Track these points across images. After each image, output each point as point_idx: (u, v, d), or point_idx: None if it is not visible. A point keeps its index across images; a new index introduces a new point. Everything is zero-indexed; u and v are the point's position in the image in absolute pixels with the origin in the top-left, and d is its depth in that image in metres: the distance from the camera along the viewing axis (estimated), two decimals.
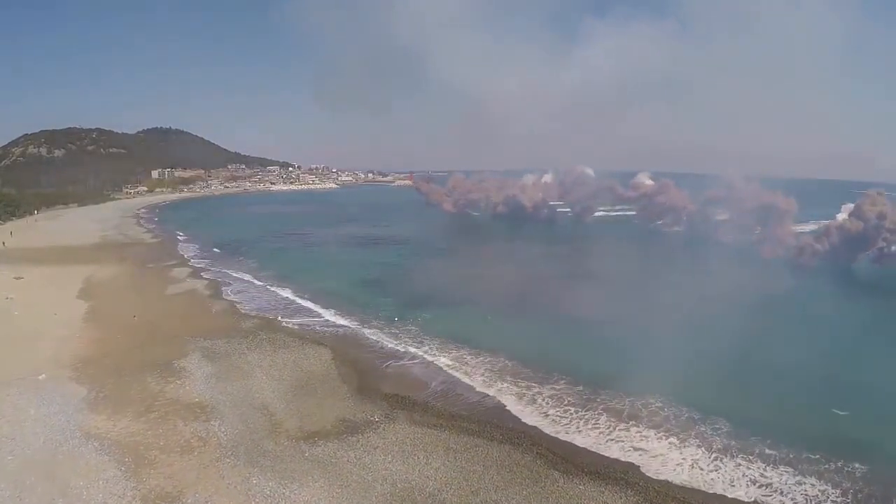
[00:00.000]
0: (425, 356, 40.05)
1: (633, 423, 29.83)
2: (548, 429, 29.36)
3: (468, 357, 39.56)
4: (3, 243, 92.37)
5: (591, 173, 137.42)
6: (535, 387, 34.34)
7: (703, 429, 28.98)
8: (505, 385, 34.82)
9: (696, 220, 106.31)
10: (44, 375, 35.71)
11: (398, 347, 42.02)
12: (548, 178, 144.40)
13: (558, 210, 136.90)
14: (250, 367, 37.18)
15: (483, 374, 36.56)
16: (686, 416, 30.30)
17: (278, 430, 28.52)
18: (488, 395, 33.56)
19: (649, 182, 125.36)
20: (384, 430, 28.71)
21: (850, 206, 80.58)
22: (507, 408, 31.85)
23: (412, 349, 41.48)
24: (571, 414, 30.94)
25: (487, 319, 48.19)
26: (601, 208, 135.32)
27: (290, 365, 37.72)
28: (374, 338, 44.39)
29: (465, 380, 35.85)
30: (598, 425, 29.70)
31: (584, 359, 38.04)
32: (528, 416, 30.85)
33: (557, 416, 30.80)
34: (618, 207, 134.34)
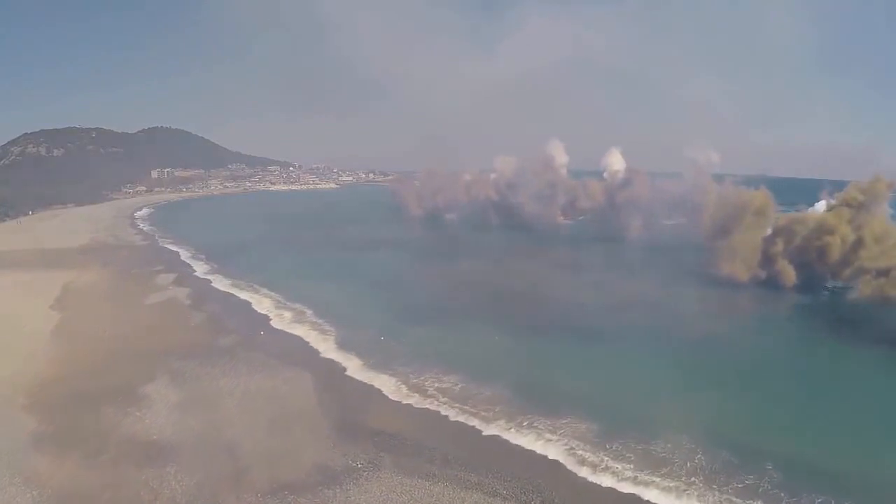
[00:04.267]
0: (416, 383, 35.49)
1: (656, 470, 25.61)
2: (560, 478, 25.11)
3: (463, 385, 35.05)
4: None
5: (564, 158, 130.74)
6: (539, 424, 29.86)
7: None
8: (505, 420, 30.42)
9: (655, 227, 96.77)
10: None
11: (386, 372, 37.26)
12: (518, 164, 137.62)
13: (527, 211, 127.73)
14: (221, 395, 33.18)
15: (480, 407, 32.09)
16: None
17: (243, 480, 24.45)
18: (488, 435, 29.24)
19: (620, 164, 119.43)
20: (367, 480, 24.54)
21: (832, 199, 63.54)
22: (510, 451, 27.58)
23: (401, 374, 36.89)
24: (586, 459, 26.61)
25: (482, 340, 43.53)
26: (566, 220, 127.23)
27: (266, 393, 33.61)
28: (361, 360, 39.64)
29: (459, 415, 31.36)
30: (617, 473, 25.48)
31: (582, 389, 34.01)
32: (537, 462, 26.57)
33: (570, 460, 26.57)
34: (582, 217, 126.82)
